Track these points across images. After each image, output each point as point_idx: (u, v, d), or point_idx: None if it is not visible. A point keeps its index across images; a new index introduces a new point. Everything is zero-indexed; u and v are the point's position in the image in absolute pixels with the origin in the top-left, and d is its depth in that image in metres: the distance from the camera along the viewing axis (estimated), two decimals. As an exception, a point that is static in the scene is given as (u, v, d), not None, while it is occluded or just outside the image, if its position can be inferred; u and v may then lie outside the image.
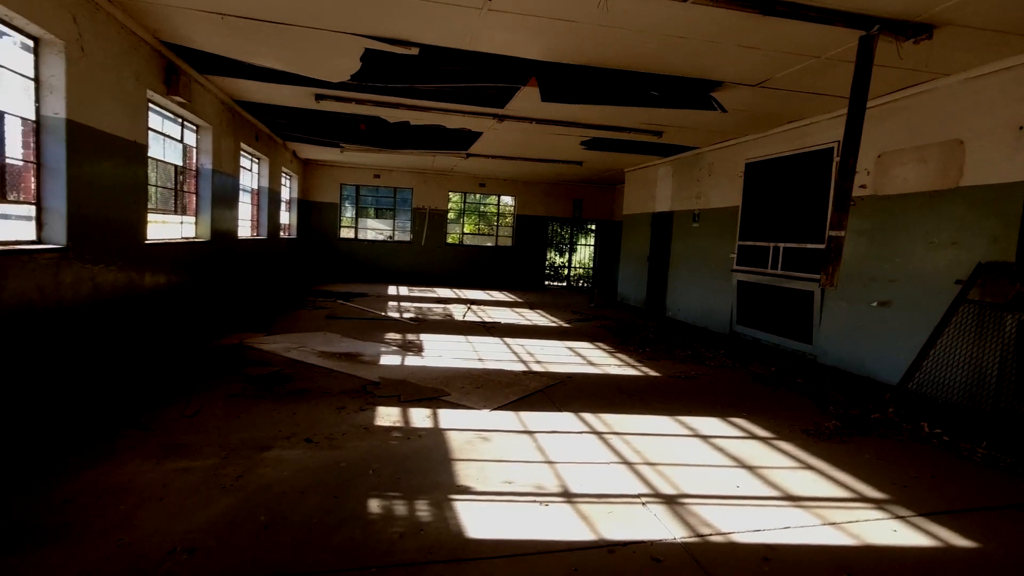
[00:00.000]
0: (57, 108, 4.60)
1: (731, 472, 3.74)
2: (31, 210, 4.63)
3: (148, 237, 6.42)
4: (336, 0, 4.71)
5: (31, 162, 4.58)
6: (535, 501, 3.17)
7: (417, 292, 14.07)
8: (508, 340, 8.08)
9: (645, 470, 3.69)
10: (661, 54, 5.48)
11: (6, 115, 4.38)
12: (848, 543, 2.89)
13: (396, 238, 17.04)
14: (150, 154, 6.49)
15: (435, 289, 15.07)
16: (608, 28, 4.91)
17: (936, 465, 4.05)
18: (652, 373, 6.46)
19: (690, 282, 10.51)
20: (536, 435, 4.25)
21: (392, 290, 14.20)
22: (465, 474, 3.49)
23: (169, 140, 7.15)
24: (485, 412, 4.74)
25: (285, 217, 14.40)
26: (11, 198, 4.67)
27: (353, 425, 4.22)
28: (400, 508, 3.01)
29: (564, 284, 18.56)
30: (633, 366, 6.78)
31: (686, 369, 6.73)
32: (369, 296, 12.46)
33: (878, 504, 3.37)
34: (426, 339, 7.79)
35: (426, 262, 16.89)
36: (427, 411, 4.68)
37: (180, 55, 6.48)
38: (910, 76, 5.66)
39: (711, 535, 2.89)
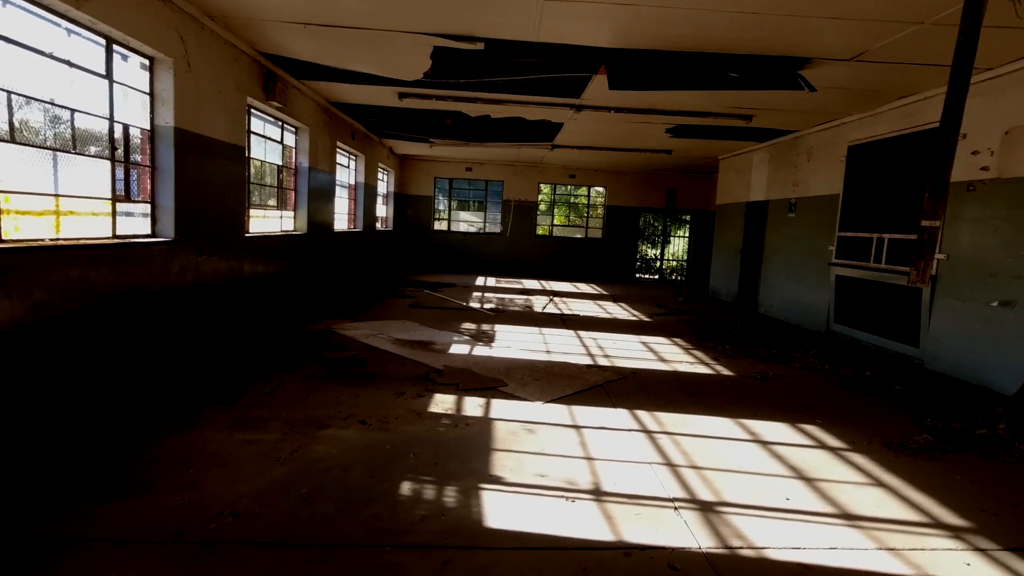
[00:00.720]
0: (167, 118, 5.23)
1: (784, 483, 3.48)
2: (149, 208, 5.33)
3: (249, 230, 7.11)
4: (401, 1, 4.91)
5: (146, 166, 5.25)
6: (563, 496, 3.16)
7: (504, 283, 14.31)
8: (582, 333, 8.02)
9: (687, 473, 3.54)
10: (735, 33, 5.12)
11: (130, 127, 5.08)
12: (903, 572, 2.59)
13: (487, 230, 17.42)
14: (253, 155, 7.21)
15: (522, 280, 15.24)
16: (669, 9, 4.68)
17: (1046, 493, 3.49)
18: (725, 372, 6.12)
19: (784, 276, 9.76)
20: (583, 430, 4.21)
21: (480, 281, 14.57)
22: (501, 464, 3.55)
23: (271, 141, 7.85)
24: (538, 404, 4.76)
25: (382, 210, 15.24)
26: (133, 199, 5.39)
27: (408, 410, 4.43)
28: (429, 492, 3.13)
29: (656, 277, 17.97)
30: (706, 364, 6.46)
31: (765, 369, 6.30)
32: (456, 287, 12.88)
33: (955, 532, 2.98)
34: (500, 329, 7.94)
35: (515, 254, 17.11)
36: (481, 400, 4.80)
37: (277, 63, 7.08)
38: (1043, 39, 4.84)
39: (741, 548, 2.73)
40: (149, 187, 5.34)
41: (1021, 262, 5.34)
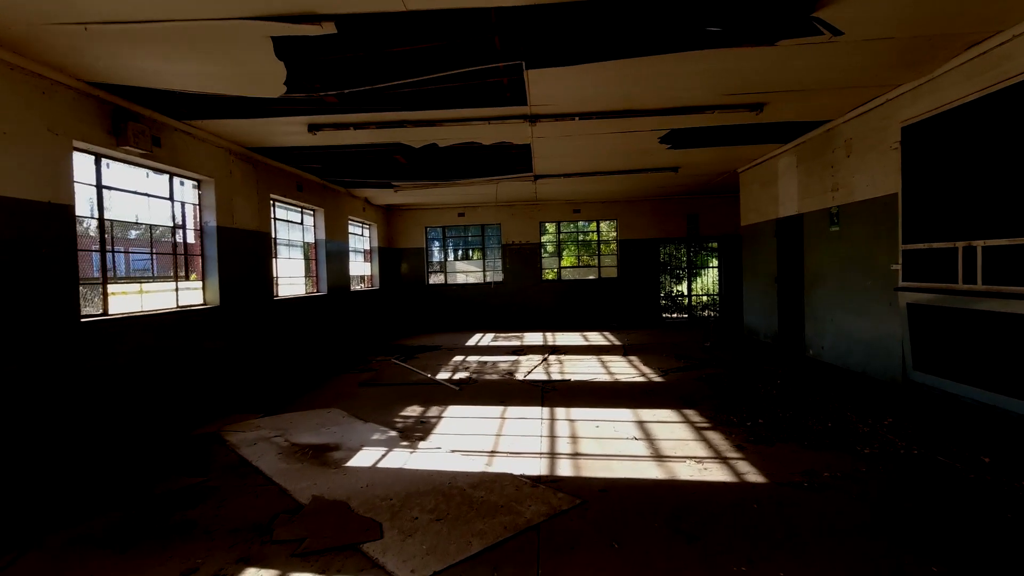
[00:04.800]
0: None
1: None
2: None
3: (108, 311, 5.51)
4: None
5: None
6: None
7: (502, 340, 12.30)
8: (560, 411, 5.92)
9: None
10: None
11: None
12: None
13: (488, 279, 15.57)
14: (117, 215, 5.69)
15: (524, 335, 13.17)
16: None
17: None
18: (751, 477, 3.91)
19: (835, 308, 7.42)
20: (443, 672, 2.15)
21: (475, 339, 12.62)
22: None
23: (158, 199, 6.35)
24: (404, 587, 2.74)
25: (364, 268, 13.69)
26: None
27: (158, 623, 2.49)
28: None
29: (686, 315, 15.53)
30: (724, 459, 4.26)
31: (815, 463, 4.05)
32: (441, 349, 10.99)
33: None
34: (449, 414, 5.95)
35: (519, 303, 15.15)
36: (313, 582, 2.82)
37: (136, 99, 5.59)
38: None
39: None
40: None
41: None
